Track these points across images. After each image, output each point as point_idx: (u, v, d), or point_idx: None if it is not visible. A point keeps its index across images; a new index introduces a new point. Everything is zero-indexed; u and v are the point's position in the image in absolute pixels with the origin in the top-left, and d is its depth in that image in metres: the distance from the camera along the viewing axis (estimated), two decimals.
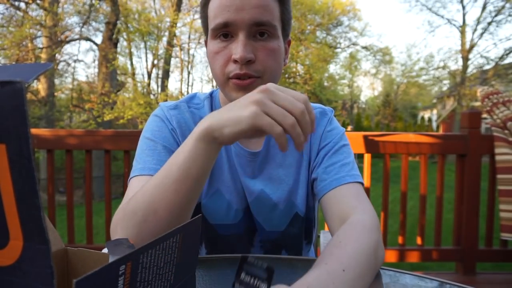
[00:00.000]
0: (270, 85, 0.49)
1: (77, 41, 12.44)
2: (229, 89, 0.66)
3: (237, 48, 0.62)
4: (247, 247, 0.79)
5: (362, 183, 0.70)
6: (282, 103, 0.47)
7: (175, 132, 0.72)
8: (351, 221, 0.59)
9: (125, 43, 13.78)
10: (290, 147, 0.76)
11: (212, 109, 0.77)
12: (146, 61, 16.07)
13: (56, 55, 11.53)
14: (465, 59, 15.64)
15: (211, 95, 0.79)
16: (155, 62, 14.29)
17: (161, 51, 13.51)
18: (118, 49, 12.53)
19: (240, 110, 0.48)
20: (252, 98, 0.48)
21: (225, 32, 0.64)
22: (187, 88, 15.98)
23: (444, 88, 21.31)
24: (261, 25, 0.63)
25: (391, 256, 2.07)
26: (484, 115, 2.28)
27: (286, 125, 0.46)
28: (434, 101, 25.39)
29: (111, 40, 11.05)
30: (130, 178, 0.67)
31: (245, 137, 0.50)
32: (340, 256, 0.49)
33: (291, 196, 0.76)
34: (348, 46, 20.37)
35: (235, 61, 0.63)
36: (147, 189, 0.55)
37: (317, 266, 0.47)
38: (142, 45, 14.27)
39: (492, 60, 15.18)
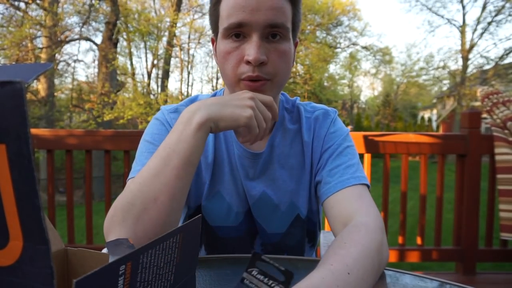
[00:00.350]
0: (254, 94, 0.61)
1: (77, 41, 12.44)
2: (240, 90, 0.66)
3: (251, 49, 0.62)
4: (247, 250, 0.78)
5: (367, 185, 0.69)
6: (262, 112, 0.61)
7: None
8: (354, 223, 0.59)
9: (125, 43, 13.79)
10: (292, 149, 0.76)
11: None
12: (146, 61, 16.09)
13: (56, 55, 11.52)
14: (465, 59, 15.63)
15: (214, 96, 0.79)
16: (155, 62, 14.29)
17: (161, 51, 13.51)
18: (118, 49, 12.53)
19: (239, 109, 0.58)
20: (248, 103, 0.59)
21: (237, 32, 0.63)
22: (187, 88, 15.99)
23: (444, 88, 21.31)
24: (275, 27, 0.62)
25: (391, 256, 2.07)
26: (484, 115, 2.28)
27: (261, 128, 0.61)
28: (434, 101, 25.39)
29: (111, 40, 11.05)
30: (128, 179, 0.67)
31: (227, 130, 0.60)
32: (345, 257, 0.49)
33: (293, 198, 0.75)
34: (348, 46, 20.39)
35: (248, 62, 0.63)
36: (144, 179, 0.55)
37: (322, 266, 0.48)
38: (142, 45, 14.28)
39: (492, 60, 15.18)
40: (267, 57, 0.63)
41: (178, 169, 0.55)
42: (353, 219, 0.61)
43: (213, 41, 0.72)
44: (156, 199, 0.54)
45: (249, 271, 0.40)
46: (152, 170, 0.56)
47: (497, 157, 2.05)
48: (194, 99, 0.79)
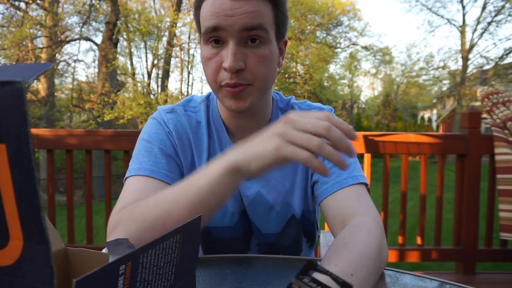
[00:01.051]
0: (291, 115, 0.49)
1: (77, 41, 12.45)
2: (222, 96, 0.66)
3: (227, 56, 0.62)
4: (244, 250, 0.79)
5: (365, 183, 0.69)
6: (305, 128, 0.46)
7: (171, 135, 0.73)
8: (354, 223, 0.59)
9: (125, 43, 13.80)
10: None
11: (208, 111, 0.77)
12: (146, 61, 16.08)
13: (56, 55, 11.53)
14: (465, 59, 15.62)
15: (208, 97, 0.79)
16: (155, 62, 14.30)
17: (161, 51, 13.52)
18: (118, 49, 12.55)
19: (265, 143, 0.49)
20: (276, 131, 0.48)
21: (216, 37, 0.63)
22: (187, 88, 15.98)
23: (444, 88, 21.32)
24: (252, 30, 0.62)
25: (391, 256, 2.07)
26: (484, 115, 2.28)
27: (313, 148, 0.45)
28: (434, 101, 25.41)
29: (111, 40, 11.05)
30: (126, 177, 0.67)
31: (275, 168, 0.50)
32: (348, 258, 0.50)
33: (287, 198, 0.76)
34: (348, 46, 20.39)
35: (225, 69, 0.63)
36: (163, 201, 0.55)
37: (326, 266, 0.48)
38: (142, 45, 14.29)
39: (492, 60, 15.18)
40: (245, 63, 0.63)
41: (192, 205, 0.53)
42: (352, 219, 0.61)
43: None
44: (164, 225, 0.53)
45: (300, 278, 0.35)
46: (171, 195, 0.55)
47: (497, 157, 2.05)
48: (190, 100, 0.80)
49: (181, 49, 14.23)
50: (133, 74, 13.65)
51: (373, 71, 27.57)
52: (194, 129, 0.75)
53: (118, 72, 12.01)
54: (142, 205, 0.56)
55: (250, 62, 0.63)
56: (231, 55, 0.61)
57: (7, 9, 10.62)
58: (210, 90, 0.80)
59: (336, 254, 0.51)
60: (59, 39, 11.05)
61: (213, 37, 0.63)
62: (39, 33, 11.11)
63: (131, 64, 14.35)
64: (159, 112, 0.76)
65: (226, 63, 0.62)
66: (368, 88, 34.58)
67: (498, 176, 2.05)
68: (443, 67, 17.64)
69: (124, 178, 0.68)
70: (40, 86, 10.76)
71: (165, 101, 11.61)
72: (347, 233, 0.57)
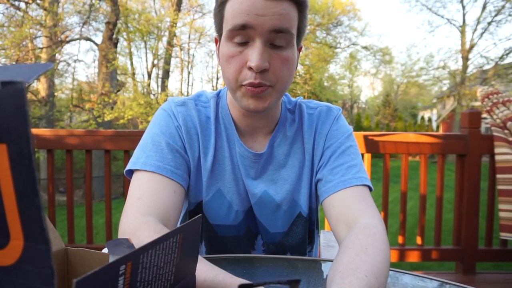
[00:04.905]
0: None
1: (77, 41, 12.42)
2: (240, 94, 0.65)
3: (253, 55, 0.61)
4: (247, 250, 0.79)
5: (369, 186, 0.69)
6: None
7: (180, 129, 0.72)
8: (365, 225, 0.59)
9: (125, 43, 13.78)
10: (293, 148, 0.77)
11: (217, 108, 0.76)
12: (146, 61, 16.07)
13: (56, 55, 11.51)
14: (465, 59, 15.62)
15: (218, 94, 0.79)
16: (155, 62, 14.29)
17: (161, 51, 13.52)
18: (118, 49, 12.53)
19: None
20: None
21: (241, 35, 0.62)
22: (187, 88, 15.98)
23: (444, 88, 21.32)
24: (280, 32, 0.61)
25: (391, 256, 2.07)
26: (484, 115, 2.28)
27: None
28: (434, 101, 25.41)
29: (111, 40, 11.05)
30: (133, 169, 0.67)
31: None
32: (373, 268, 0.50)
33: (294, 196, 0.76)
34: (348, 46, 20.41)
35: (250, 68, 0.62)
36: None
37: (357, 276, 0.48)
38: (142, 45, 14.27)
39: (492, 60, 15.16)
40: (269, 63, 0.63)
41: None
42: (358, 220, 0.61)
43: (216, 40, 0.72)
44: None
45: None
46: None
47: (497, 157, 2.05)
48: (200, 95, 0.79)
49: (181, 49, 14.23)
50: (133, 74, 13.64)
51: (373, 71, 27.62)
52: (203, 125, 0.74)
53: (118, 72, 12.01)
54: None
55: (274, 64, 0.63)
56: (259, 54, 0.61)
57: (7, 9, 10.62)
58: (219, 89, 0.80)
59: (360, 261, 0.51)
60: (59, 39, 11.04)
61: (239, 35, 0.62)
62: (39, 33, 11.10)
63: (131, 64, 14.34)
64: (169, 104, 0.76)
65: (252, 62, 0.61)
66: (368, 88, 34.64)
67: (498, 176, 2.05)
68: (443, 67, 17.64)
69: (129, 168, 0.68)
70: (40, 86, 10.76)
71: (165, 101, 11.59)
72: (362, 236, 0.56)
